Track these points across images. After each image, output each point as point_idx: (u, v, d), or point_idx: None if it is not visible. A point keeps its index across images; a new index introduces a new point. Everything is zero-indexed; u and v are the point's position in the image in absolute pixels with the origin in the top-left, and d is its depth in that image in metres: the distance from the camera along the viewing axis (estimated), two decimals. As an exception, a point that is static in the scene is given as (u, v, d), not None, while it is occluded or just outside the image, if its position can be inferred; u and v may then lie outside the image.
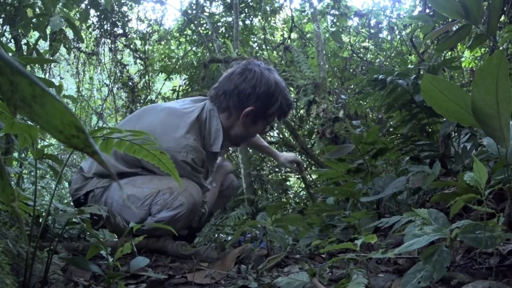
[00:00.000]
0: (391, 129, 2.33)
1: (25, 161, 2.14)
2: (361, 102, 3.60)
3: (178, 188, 1.53)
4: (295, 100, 4.08)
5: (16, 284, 0.79)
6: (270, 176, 5.33)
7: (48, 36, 3.11)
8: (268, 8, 6.36)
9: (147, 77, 6.14)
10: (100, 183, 1.65)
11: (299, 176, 2.26)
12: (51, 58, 3.24)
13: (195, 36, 6.52)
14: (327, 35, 6.16)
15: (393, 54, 5.32)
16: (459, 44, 3.43)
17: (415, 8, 5.38)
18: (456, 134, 1.90)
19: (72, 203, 1.73)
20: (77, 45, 5.26)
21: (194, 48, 6.59)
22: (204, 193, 1.67)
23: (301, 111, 4.65)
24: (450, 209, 1.03)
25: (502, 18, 2.74)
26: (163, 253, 1.51)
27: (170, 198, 1.55)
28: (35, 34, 3.38)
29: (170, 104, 1.78)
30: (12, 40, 3.06)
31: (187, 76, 6.26)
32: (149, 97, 6.02)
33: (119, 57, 5.67)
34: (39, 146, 0.98)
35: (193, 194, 1.57)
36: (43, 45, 4.83)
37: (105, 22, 5.27)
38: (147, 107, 1.85)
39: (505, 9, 2.68)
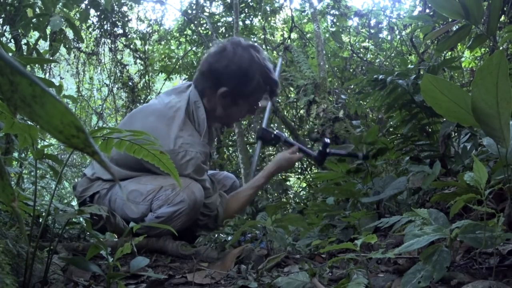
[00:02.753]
0: (391, 129, 2.33)
1: (25, 161, 2.13)
2: (361, 102, 3.60)
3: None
4: (295, 100, 4.08)
5: (16, 284, 0.79)
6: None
7: (48, 36, 3.11)
8: (268, 8, 6.36)
9: (147, 77, 6.14)
10: (106, 184, 1.67)
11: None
12: (51, 58, 3.24)
13: (195, 36, 6.52)
14: (327, 35, 6.16)
15: (393, 54, 5.32)
16: (459, 44, 3.43)
17: (415, 8, 5.38)
18: (456, 134, 1.90)
19: (76, 205, 1.73)
20: (77, 45, 5.26)
21: (194, 48, 6.59)
22: (206, 196, 1.67)
23: (301, 111, 4.65)
24: (450, 209, 1.03)
25: (502, 18, 2.74)
26: (163, 253, 1.51)
27: (172, 194, 1.55)
28: (35, 34, 3.38)
29: (157, 104, 1.75)
30: (12, 40, 3.06)
31: (187, 76, 6.26)
32: (149, 97, 6.02)
33: (119, 57, 5.67)
34: (39, 146, 0.98)
35: (194, 192, 1.57)
36: (43, 45, 4.82)
37: (105, 22, 5.27)
38: (134, 111, 1.84)
39: (505, 9, 2.68)
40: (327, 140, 1.98)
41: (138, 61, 6.00)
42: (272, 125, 5.78)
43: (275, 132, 2.03)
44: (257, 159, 2.21)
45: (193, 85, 1.77)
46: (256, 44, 1.79)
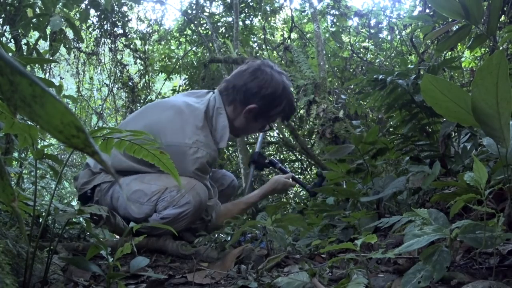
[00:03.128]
0: (391, 129, 2.32)
1: (25, 161, 2.13)
2: (361, 102, 3.60)
3: (186, 186, 1.55)
4: (295, 100, 4.08)
5: (16, 284, 0.79)
6: (270, 176, 5.33)
7: (48, 36, 3.11)
8: (268, 8, 6.36)
9: (147, 77, 6.14)
10: (107, 177, 1.66)
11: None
12: (51, 58, 3.24)
13: (195, 36, 6.52)
14: (327, 35, 6.16)
15: (393, 54, 5.32)
16: (459, 44, 3.43)
17: (415, 8, 5.38)
18: (456, 134, 1.90)
19: (77, 199, 1.74)
20: (77, 45, 5.26)
21: (194, 48, 6.59)
22: (209, 198, 1.67)
23: (301, 111, 4.65)
24: (450, 209, 1.03)
25: (502, 18, 2.74)
26: (163, 253, 1.51)
27: (177, 195, 1.56)
28: (35, 34, 3.38)
29: (176, 101, 1.78)
30: (12, 40, 3.06)
31: (187, 76, 6.27)
32: (149, 97, 6.02)
33: (119, 57, 5.67)
34: (39, 146, 0.98)
35: (199, 193, 1.58)
36: (43, 45, 4.83)
37: (105, 22, 5.27)
38: (150, 104, 1.88)
39: (505, 9, 2.68)
40: (322, 174, 2.17)
41: (138, 61, 6.01)
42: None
43: (268, 159, 2.30)
44: (250, 182, 2.38)
45: (217, 92, 1.84)
46: (284, 71, 1.95)
